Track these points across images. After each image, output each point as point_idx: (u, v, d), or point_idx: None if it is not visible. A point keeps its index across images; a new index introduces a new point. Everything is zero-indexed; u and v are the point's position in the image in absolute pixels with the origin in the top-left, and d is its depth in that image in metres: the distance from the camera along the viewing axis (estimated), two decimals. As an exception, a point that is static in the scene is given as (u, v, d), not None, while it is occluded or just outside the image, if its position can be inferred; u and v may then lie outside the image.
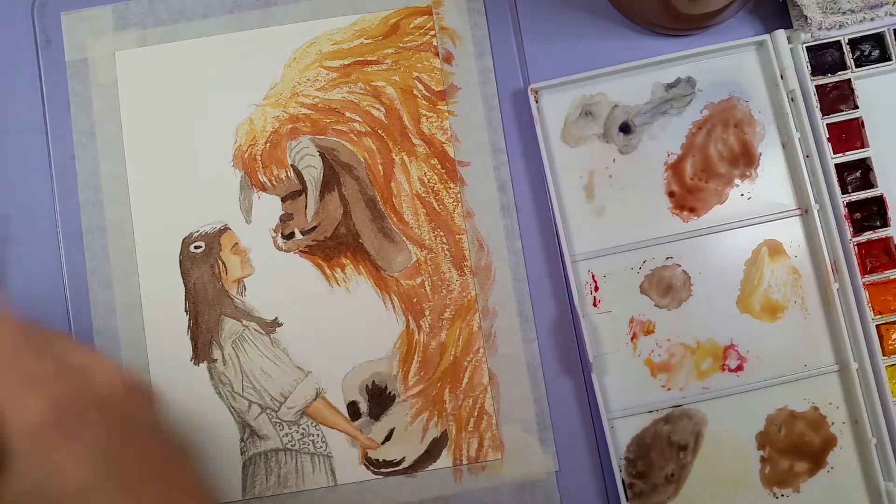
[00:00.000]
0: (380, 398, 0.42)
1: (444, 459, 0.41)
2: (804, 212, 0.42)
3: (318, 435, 0.41)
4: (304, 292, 0.42)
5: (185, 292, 0.42)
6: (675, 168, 0.42)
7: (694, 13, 0.42)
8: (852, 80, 0.41)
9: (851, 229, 0.41)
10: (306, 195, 0.42)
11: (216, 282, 0.42)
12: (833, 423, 0.41)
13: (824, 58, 0.42)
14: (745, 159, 0.42)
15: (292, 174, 0.43)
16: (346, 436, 0.41)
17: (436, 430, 0.41)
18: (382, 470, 0.41)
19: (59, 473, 0.26)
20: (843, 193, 0.41)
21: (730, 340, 0.41)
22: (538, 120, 0.42)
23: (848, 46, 0.41)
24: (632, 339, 0.42)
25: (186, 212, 0.42)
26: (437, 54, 0.43)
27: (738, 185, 0.42)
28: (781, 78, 0.41)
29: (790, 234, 0.42)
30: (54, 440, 0.27)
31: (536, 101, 0.42)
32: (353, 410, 0.41)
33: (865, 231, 0.41)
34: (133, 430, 0.29)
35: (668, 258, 0.42)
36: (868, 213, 0.41)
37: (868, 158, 0.41)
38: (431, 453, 0.41)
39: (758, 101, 0.42)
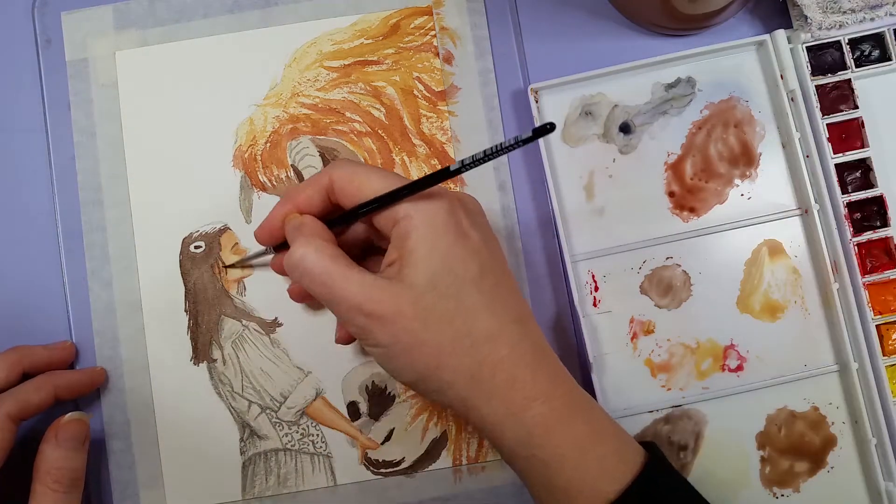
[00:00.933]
0: (380, 398, 0.42)
1: (444, 460, 0.41)
2: (804, 212, 0.42)
3: (317, 435, 0.41)
4: (304, 292, 0.42)
5: (185, 292, 0.42)
6: (675, 168, 0.42)
7: (694, 13, 0.42)
8: (852, 80, 0.41)
9: (851, 229, 0.41)
10: (306, 195, 0.42)
11: (216, 282, 0.42)
12: (833, 423, 0.41)
13: (824, 58, 0.42)
14: (745, 159, 0.42)
15: (292, 174, 0.43)
16: (346, 436, 0.41)
17: (435, 431, 0.41)
18: (382, 470, 0.41)
19: (459, 261, 0.32)
20: (843, 193, 0.41)
21: (730, 340, 0.41)
22: (538, 120, 0.42)
23: (848, 46, 0.41)
24: (632, 339, 0.42)
25: (186, 212, 0.42)
26: (438, 54, 0.43)
27: (738, 185, 0.42)
28: (781, 78, 0.41)
29: (790, 234, 0.42)
30: (454, 234, 0.32)
31: (536, 101, 0.42)
32: (353, 410, 0.41)
33: (865, 231, 0.41)
34: (495, 243, 0.35)
35: (668, 258, 0.42)
36: (868, 213, 0.41)
37: (868, 158, 0.41)
38: (431, 454, 0.41)
39: (758, 101, 0.42)
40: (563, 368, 0.34)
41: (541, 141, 0.41)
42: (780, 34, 0.41)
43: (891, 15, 0.41)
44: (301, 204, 0.35)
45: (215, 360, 0.41)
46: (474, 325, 0.32)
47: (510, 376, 0.32)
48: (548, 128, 0.28)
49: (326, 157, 0.43)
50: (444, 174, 0.31)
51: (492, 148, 0.30)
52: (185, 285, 0.42)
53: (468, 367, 0.32)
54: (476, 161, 0.30)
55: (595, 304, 0.42)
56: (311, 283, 0.32)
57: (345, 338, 0.38)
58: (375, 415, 0.41)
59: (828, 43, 0.41)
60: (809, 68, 0.41)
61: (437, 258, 0.31)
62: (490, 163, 0.42)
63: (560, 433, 0.32)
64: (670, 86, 0.43)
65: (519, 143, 0.29)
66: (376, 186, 0.33)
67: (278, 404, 0.41)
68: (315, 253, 0.32)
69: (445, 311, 0.31)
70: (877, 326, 0.40)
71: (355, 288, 0.31)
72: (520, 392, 0.32)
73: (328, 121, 0.43)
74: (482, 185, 0.42)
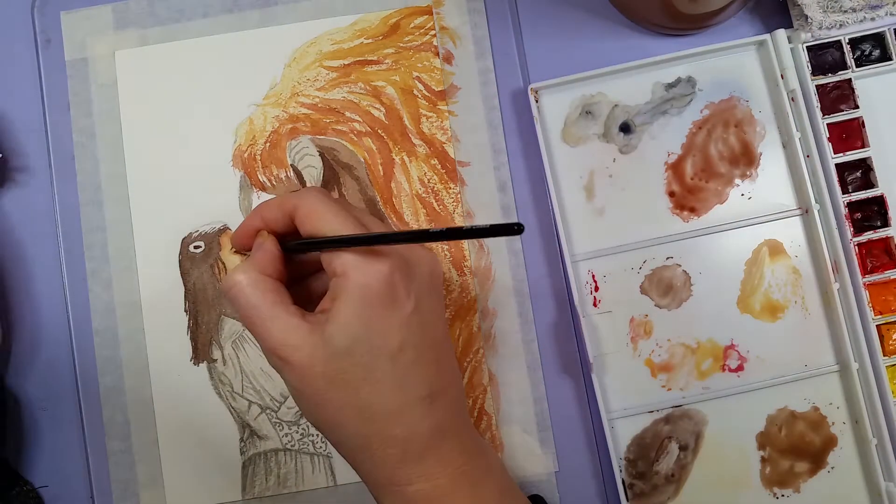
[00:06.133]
0: (380, 398, 0.41)
1: (444, 459, 0.41)
2: (804, 212, 0.42)
3: (317, 435, 0.41)
4: (303, 292, 0.42)
5: (185, 292, 0.42)
6: (676, 168, 0.42)
7: (694, 13, 0.41)
8: (853, 79, 0.41)
9: (852, 229, 0.41)
10: (306, 195, 0.42)
11: (216, 282, 0.42)
12: (833, 424, 0.41)
13: (825, 57, 0.42)
14: (746, 159, 0.42)
15: (292, 174, 0.43)
16: (346, 436, 0.41)
17: (436, 431, 0.41)
18: (382, 470, 0.41)
19: (380, 333, 0.32)
20: (843, 193, 0.41)
21: (730, 340, 0.41)
22: (538, 120, 0.42)
23: (848, 46, 0.41)
24: (632, 339, 0.41)
25: (186, 212, 0.42)
26: (438, 54, 0.43)
27: (738, 185, 0.42)
28: (782, 77, 0.41)
29: (790, 234, 0.42)
30: (382, 306, 0.32)
31: (536, 101, 0.42)
32: (353, 410, 0.41)
33: (866, 231, 0.41)
34: (433, 313, 0.34)
35: (668, 258, 0.42)
36: (868, 213, 0.41)
37: (868, 158, 0.41)
38: (431, 453, 0.41)
39: (758, 100, 0.42)
40: (468, 440, 0.34)
41: (541, 140, 0.41)
42: (781, 34, 0.41)
43: (891, 15, 0.41)
44: (269, 221, 0.35)
45: (215, 360, 0.41)
46: (377, 399, 0.32)
47: (400, 451, 0.32)
48: (515, 228, 0.28)
49: (326, 156, 0.43)
50: (389, 238, 0.31)
51: (464, 228, 0.30)
52: (185, 285, 0.42)
53: (361, 435, 0.32)
54: (432, 234, 0.29)
55: (595, 304, 0.42)
56: (238, 310, 0.33)
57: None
58: (375, 415, 0.41)
59: (828, 42, 0.41)
60: (810, 68, 0.41)
61: (360, 326, 0.31)
62: (490, 163, 0.42)
63: None
64: (670, 85, 0.43)
65: (483, 231, 0.29)
66: (330, 228, 0.32)
67: (278, 404, 0.41)
68: (249, 284, 0.32)
69: (353, 379, 0.32)
70: (877, 326, 0.40)
71: (276, 329, 0.32)
72: (404, 469, 0.32)
73: (328, 121, 0.43)
74: (482, 185, 0.42)
